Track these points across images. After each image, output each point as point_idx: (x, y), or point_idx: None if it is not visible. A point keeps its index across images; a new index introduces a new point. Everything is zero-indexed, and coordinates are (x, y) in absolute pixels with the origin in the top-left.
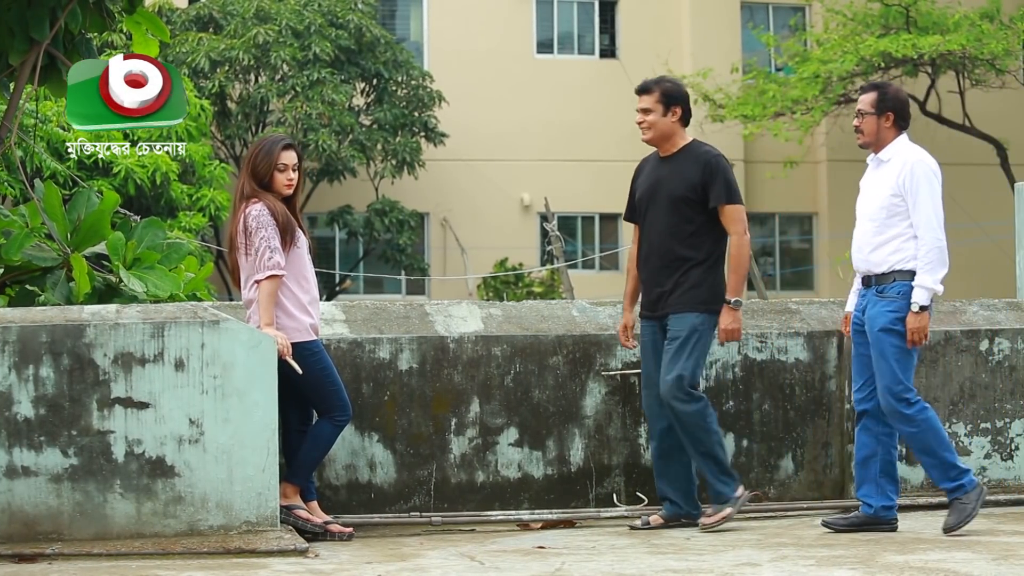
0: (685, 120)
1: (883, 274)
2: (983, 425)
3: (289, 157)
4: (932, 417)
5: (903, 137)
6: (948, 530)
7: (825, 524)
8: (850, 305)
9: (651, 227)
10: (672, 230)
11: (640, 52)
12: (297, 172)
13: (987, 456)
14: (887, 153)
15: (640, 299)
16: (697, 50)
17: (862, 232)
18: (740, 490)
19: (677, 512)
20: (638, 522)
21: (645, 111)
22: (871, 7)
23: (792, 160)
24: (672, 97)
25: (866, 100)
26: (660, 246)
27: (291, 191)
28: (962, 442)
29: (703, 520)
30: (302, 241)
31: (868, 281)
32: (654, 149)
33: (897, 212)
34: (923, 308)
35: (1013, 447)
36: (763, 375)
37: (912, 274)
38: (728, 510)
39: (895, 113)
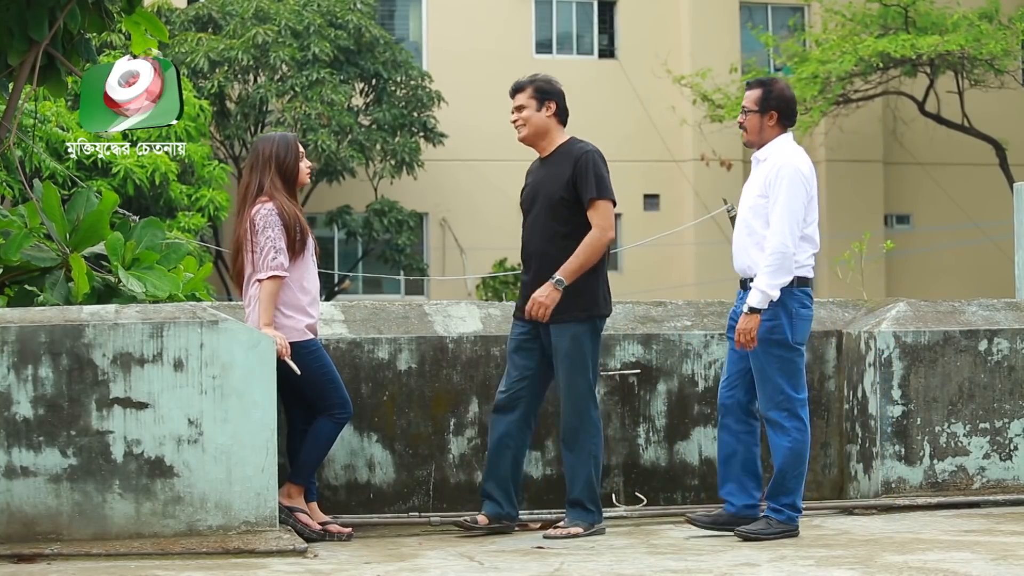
0: (562, 118)
1: (753, 278)
2: (982, 425)
3: (299, 146)
4: (806, 443)
5: (785, 137)
6: (742, 533)
7: (689, 521)
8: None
9: (531, 231)
10: (550, 234)
11: (639, 52)
12: None
13: (986, 456)
14: (764, 152)
15: (517, 301)
16: (696, 50)
17: (736, 234)
18: (599, 525)
19: (499, 512)
20: (466, 518)
21: (519, 108)
22: (870, 7)
23: None
24: (546, 92)
25: (751, 97)
26: (538, 251)
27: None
28: (961, 442)
29: (550, 531)
30: (309, 243)
31: (744, 284)
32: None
33: (762, 213)
34: (753, 310)
35: (1012, 447)
36: None
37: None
38: (578, 531)
39: (779, 112)
